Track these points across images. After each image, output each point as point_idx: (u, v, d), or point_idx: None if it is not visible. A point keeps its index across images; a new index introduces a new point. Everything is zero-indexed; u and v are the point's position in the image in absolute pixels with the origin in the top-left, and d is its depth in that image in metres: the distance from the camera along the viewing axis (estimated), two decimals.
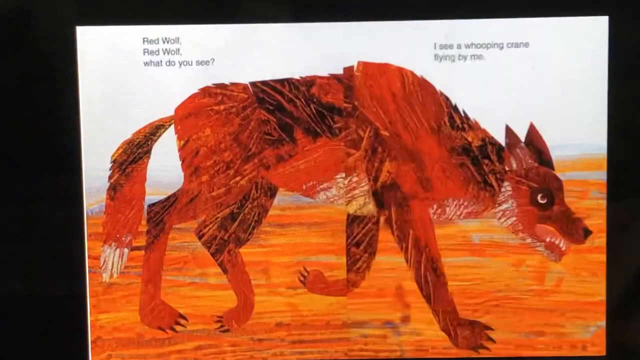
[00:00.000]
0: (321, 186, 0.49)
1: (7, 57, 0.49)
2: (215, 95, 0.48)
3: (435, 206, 0.49)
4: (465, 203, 0.49)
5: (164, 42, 0.48)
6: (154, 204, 0.49)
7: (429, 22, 0.47)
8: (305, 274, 0.49)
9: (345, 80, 0.48)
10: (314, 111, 0.48)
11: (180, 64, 0.48)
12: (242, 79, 0.48)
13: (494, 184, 0.49)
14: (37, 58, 0.48)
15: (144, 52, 0.48)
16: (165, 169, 0.49)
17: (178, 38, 0.48)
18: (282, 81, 0.48)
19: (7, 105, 0.49)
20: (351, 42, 0.48)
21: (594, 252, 0.49)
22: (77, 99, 0.48)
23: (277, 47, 0.48)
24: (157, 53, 0.48)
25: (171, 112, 0.48)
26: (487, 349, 0.50)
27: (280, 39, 0.48)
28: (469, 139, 0.48)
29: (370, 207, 0.49)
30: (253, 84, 0.48)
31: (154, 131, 0.48)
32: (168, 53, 0.48)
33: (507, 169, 0.48)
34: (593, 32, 0.47)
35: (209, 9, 0.48)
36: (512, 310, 0.49)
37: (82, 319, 0.49)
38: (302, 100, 0.48)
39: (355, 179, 0.49)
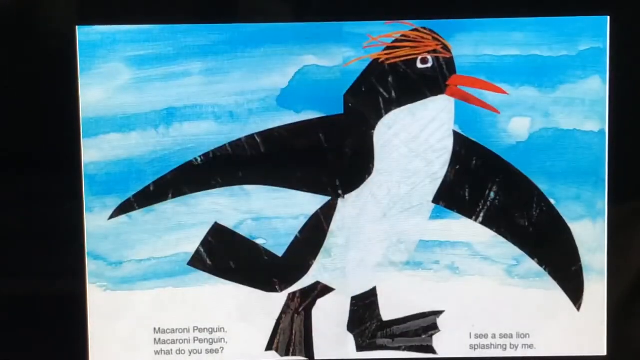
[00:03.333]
0: None
1: (6, 57, 0.48)
2: None
3: None
4: None
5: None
6: None
7: None
8: None
9: None
10: None
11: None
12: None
13: None
14: (37, 58, 0.48)
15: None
16: None
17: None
18: None
19: (6, 105, 0.49)
20: None
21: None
22: (77, 99, 0.48)
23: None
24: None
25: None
26: None
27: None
28: None
29: None
30: None
31: None
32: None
33: None
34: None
35: (210, 8, 0.48)
36: None
37: (82, 318, 0.49)
38: None
39: None
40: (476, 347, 0.50)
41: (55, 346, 0.50)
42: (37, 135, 0.49)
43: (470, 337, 0.50)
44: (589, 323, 0.49)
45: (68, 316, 0.50)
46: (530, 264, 0.49)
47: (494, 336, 0.49)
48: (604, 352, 0.50)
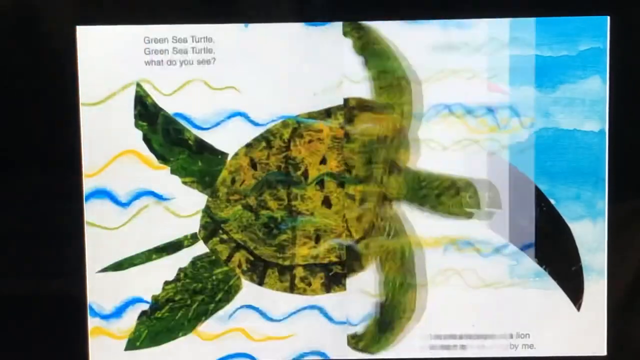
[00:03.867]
0: None
1: (6, 57, 0.48)
2: None
3: None
4: None
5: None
6: None
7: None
8: None
9: None
10: None
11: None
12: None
13: None
14: (37, 58, 0.48)
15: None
16: None
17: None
18: None
19: (6, 105, 0.49)
20: None
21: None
22: (77, 98, 0.48)
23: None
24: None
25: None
26: None
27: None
28: None
29: None
30: None
31: None
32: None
33: None
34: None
35: (210, 8, 0.48)
36: None
37: (82, 318, 0.49)
38: None
39: None
40: (476, 347, 0.49)
41: (55, 346, 0.50)
42: (36, 134, 0.49)
43: (471, 338, 0.49)
44: (589, 323, 0.49)
45: (68, 316, 0.50)
46: (530, 264, 0.49)
47: (493, 336, 0.49)
48: (604, 352, 0.50)
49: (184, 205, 0.49)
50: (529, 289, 0.49)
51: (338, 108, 0.48)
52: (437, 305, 0.49)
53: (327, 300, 0.49)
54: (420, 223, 0.49)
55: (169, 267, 0.49)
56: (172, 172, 0.49)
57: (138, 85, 0.48)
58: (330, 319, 0.49)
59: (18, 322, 0.50)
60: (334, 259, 0.49)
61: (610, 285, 0.49)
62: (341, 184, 0.49)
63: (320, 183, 0.49)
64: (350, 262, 0.49)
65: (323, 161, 0.49)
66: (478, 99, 0.48)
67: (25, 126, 0.49)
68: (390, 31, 0.47)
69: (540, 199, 0.49)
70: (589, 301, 0.49)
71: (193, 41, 0.48)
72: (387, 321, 0.49)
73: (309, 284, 0.49)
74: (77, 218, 0.49)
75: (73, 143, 0.48)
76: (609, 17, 0.47)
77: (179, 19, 0.48)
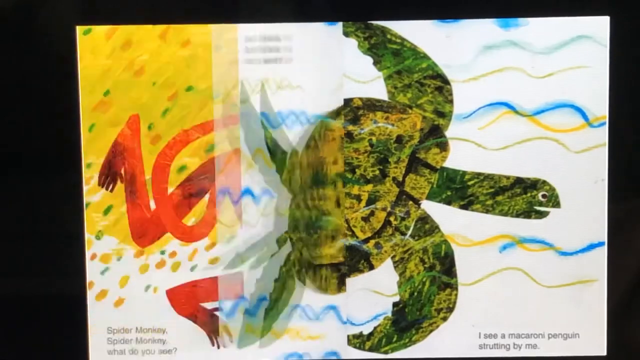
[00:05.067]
0: None
1: (6, 57, 0.48)
2: None
3: None
4: None
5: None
6: None
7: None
8: None
9: None
10: None
11: None
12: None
13: None
14: (37, 57, 0.48)
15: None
16: None
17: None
18: None
19: (6, 105, 0.49)
20: None
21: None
22: (77, 99, 0.48)
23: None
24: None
25: None
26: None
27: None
28: None
29: None
30: None
31: None
32: None
33: None
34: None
35: (211, 8, 0.48)
36: None
37: (82, 318, 0.49)
38: None
39: None
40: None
41: (55, 346, 0.50)
42: (37, 134, 0.49)
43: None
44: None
45: (68, 316, 0.50)
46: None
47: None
48: (604, 352, 0.50)
49: None
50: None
51: (339, 108, 0.48)
52: (483, 303, 0.49)
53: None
54: (458, 222, 0.49)
55: None
56: None
57: None
58: None
59: (18, 322, 0.50)
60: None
61: (610, 285, 0.49)
62: (342, 184, 0.49)
63: (334, 183, 0.49)
64: (354, 262, 0.49)
65: (335, 161, 0.49)
66: (525, 98, 0.48)
67: (26, 126, 0.49)
68: (415, 30, 0.48)
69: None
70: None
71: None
72: (409, 320, 0.49)
73: None
74: (77, 218, 0.49)
75: (73, 142, 0.48)
76: (609, 17, 0.47)
77: (179, 18, 0.48)
